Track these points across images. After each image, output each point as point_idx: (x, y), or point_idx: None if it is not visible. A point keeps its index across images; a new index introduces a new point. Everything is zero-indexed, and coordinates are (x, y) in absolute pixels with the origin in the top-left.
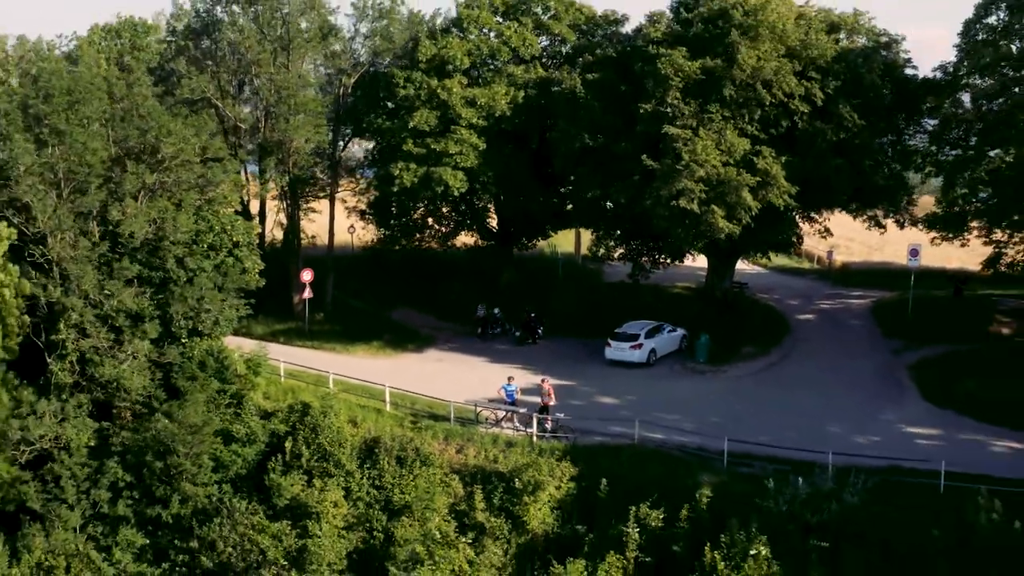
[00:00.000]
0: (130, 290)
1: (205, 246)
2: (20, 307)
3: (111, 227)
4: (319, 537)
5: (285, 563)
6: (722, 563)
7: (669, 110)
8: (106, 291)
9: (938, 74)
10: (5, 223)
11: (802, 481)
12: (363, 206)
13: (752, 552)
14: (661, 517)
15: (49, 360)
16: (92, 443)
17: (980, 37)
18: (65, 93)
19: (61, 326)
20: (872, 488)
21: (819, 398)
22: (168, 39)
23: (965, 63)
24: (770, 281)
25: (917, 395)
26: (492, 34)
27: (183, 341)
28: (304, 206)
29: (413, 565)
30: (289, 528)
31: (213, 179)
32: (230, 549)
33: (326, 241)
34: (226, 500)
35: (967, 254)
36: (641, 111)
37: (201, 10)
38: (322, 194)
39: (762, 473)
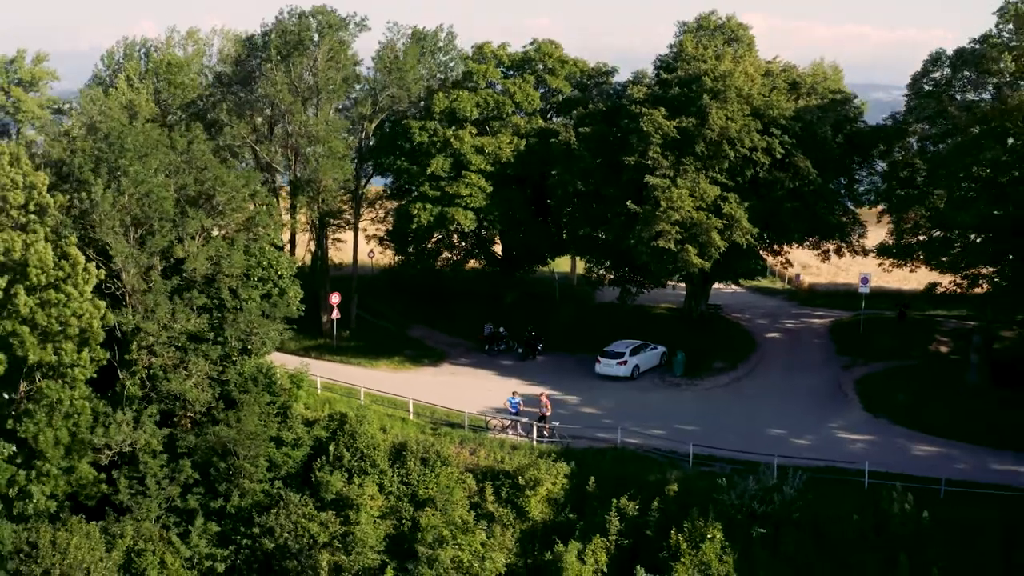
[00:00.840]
0: (195, 317)
1: (255, 279)
2: None
3: (172, 261)
4: (360, 524)
5: (339, 545)
6: (684, 544)
7: (650, 162)
8: (176, 318)
9: (888, 122)
10: (93, 264)
11: (751, 478)
12: (382, 233)
13: (709, 536)
14: (637, 507)
15: (121, 376)
16: (160, 447)
17: (926, 89)
18: (135, 148)
19: (133, 347)
20: (808, 483)
21: (775, 408)
22: (210, 86)
23: (913, 112)
24: (744, 301)
25: (859, 405)
26: (498, 87)
27: (234, 359)
28: (331, 236)
29: (439, 546)
30: (334, 517)
31: (260, 222)
32: (286, 535)
33: (349, 263)
34: (282, 494)
35: (924, 275)
36: (626, 162)
37: (240, 57)
38: (347, 225)
39: (720, 471)
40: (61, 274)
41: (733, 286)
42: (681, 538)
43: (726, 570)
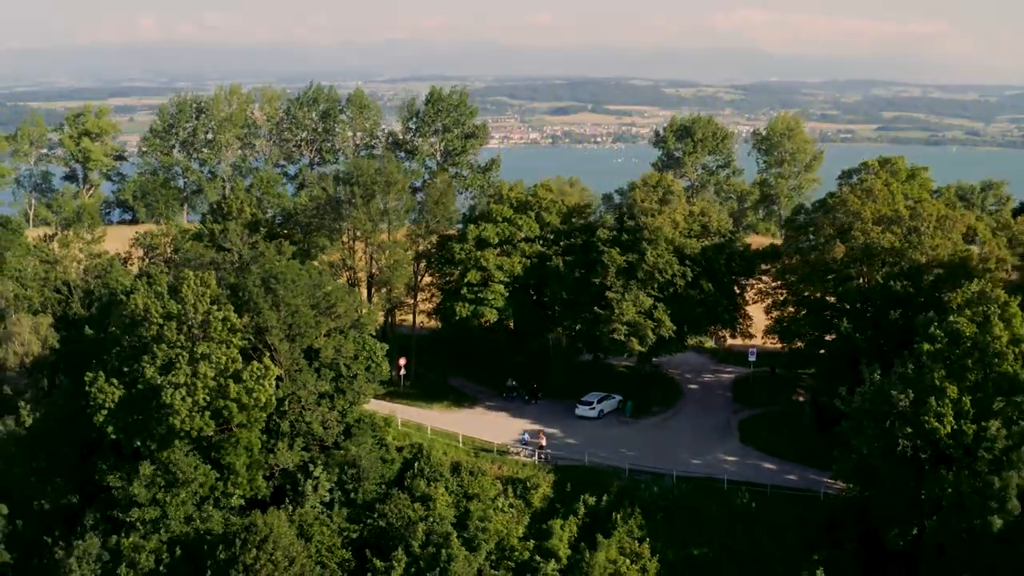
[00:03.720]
0: (326, 384)
1: (362, 359)
2: None
3: (305, 348)
4: (438, 510)
5: (433, 520)
6: (620, 520)
7: (608, 283)
8: (316, 386)
9: (769, 248)
10: (276, 365)
11: (657, 485)
12: (430, 309)
13: (633, 516)
14: (594, 500)
15: (277, 420)
16: (302, 462)
17: (796, 225)
18: (285, 280)
19: (286, 403)
20: (692, 487)
21: (685, 439)
22: (309, 208)
23: (785, 243)
24: (679, 359)
25: (737, 438)
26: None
27: (343, 409)
28: (397, 316)
29: (483, 522)
30: (421, 506)
31: (364, 322)
32: (392, 517)
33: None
34: (389, 492)
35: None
36: (593, 281)
37: (330, 191)
38: (407, 310)
39: (643, 480)
40: (257, 373)
41: None
42: (618, 517)
43: (643, 535)
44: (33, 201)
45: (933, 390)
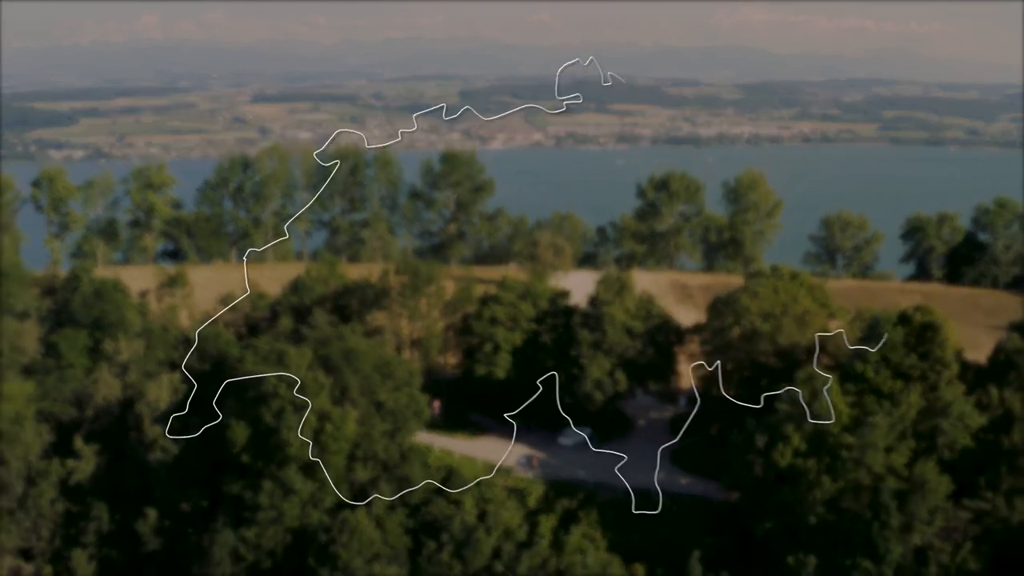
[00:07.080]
0: (388, 425)
1: (412, 406)
2: None
3: (375, 401)
4: (467, 511)
5: (464, 518)
6: (583, 516)
7: (581, 352)
8: (382, 426)
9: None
10: (354, 412)
11: (610, 493)
12: (455, 361)
13: (593, 513)
14: (567, 503)
15: (354, 449)
16: (371, 478)
17: (714, 310)
18: (358, 353)
19: (360, 437)
20: (631, 495)
21: (631, 461)
22: (368, 291)
23: (707, 323)
24: (634, 400)
25: (670, 461)
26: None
27: (400, 442)
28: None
29: (496, 518)
30: (455, 508)
31: (413, 381)
32: (436, 515)
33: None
34: (431, 498)
35: None
36: (571, 352)
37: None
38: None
39: (600, 490)
40: (343, 415)
41: None
42: (582, 515)
43: (598, 525)
44: (101, 244)
45: (780, 436)
